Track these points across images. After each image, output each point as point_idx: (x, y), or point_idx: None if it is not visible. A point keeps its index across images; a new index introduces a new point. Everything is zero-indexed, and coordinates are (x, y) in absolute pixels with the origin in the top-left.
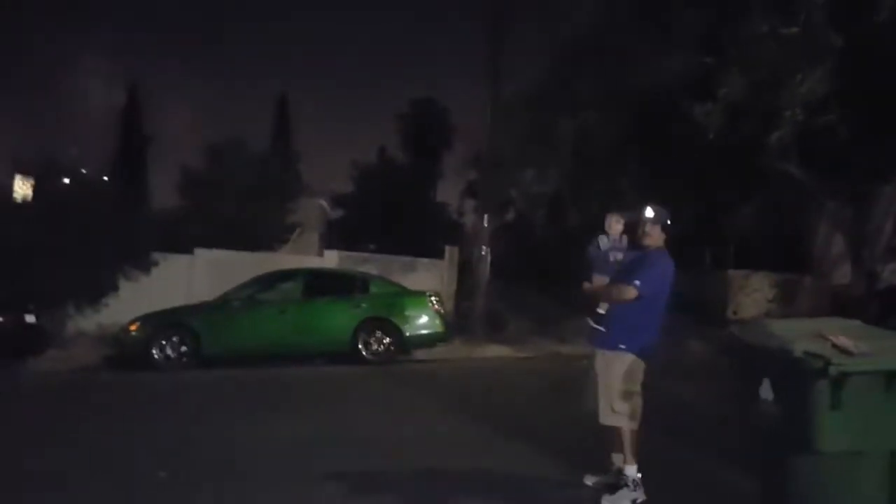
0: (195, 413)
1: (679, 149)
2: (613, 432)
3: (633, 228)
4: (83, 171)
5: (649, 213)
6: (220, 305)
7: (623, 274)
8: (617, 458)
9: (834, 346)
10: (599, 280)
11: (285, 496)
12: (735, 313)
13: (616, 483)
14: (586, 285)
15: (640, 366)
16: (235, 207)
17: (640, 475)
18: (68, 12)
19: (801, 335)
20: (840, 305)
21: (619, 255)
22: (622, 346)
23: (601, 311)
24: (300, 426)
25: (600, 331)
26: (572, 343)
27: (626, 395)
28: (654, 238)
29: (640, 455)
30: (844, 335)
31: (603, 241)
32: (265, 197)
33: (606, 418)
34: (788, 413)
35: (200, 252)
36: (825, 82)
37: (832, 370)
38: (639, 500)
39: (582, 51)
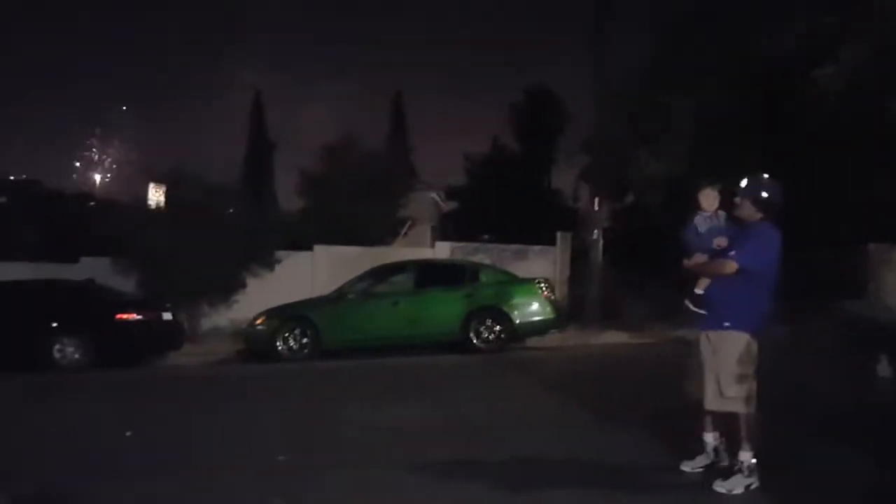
0: (314, 402)
1: (803, 118)
2: (708, 414)
3: (730, 201)
4: (210, 177)
5: (742, 184)
6: (337, 299)
7: (726, 250)
8: (709, 438)
9: None
10: (700, 259)
11: (382, 480)
12: (878, 290)
13: (712, 464)
14: (686, 262)
15: (752, 346)
16: (350, 205)
17: (755, 461)
18: (200, 25)
19: None
20: None
21: (723, 240)
22: (727, 325)
23: (699, 290)
24: (408, 414)
25: (700, 313)
26: (693, 327)
27: (740, 379)
28: (747, 211)
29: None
30: None
31: (700, 223)
32: (378, 193)
33: (714, 403)
34: None
35: (319, 249)
36: None
37: None
38: (753, 486)
39: (696, 21)
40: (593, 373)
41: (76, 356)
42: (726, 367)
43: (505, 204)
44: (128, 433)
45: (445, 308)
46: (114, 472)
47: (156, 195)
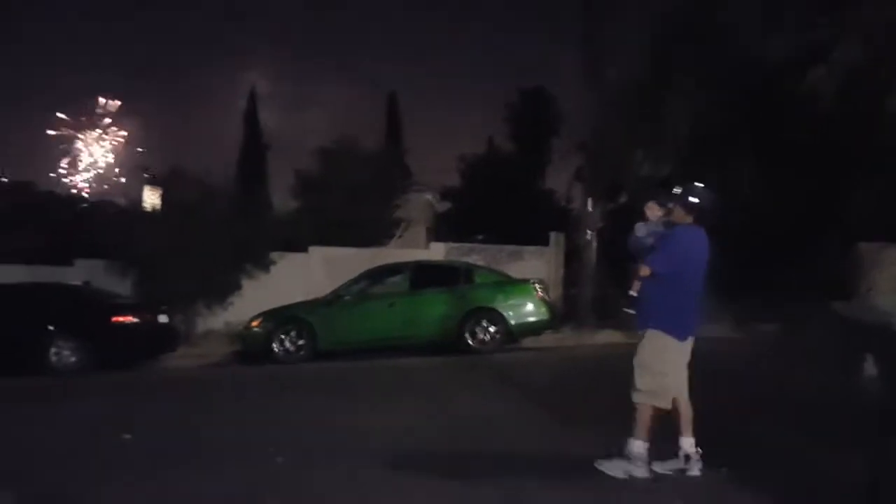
0: (311, 403)
1: (795, 120)
2: (679, 417)
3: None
4: (207, 179)
5: (675, 190)
6: (333, 300)
7: (649, 252)
8: (685, 442)
9: None
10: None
11: (380, 481)
12: (869, 291)
13: (685, 468)
14: (633, 267)
15: (671, 345)
16: (346, 206)
17: (644, 451)
18: (196, 25)
19: None
20: None
21: (651, 238)
22: (650, 325)
23: (632, 293)
24: (402, 415)
25: (632, 314)
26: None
27: (651, 374)
28: (678, 216)
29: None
30: None
31: (639, 229)
32: (373, 194)
33: (632, 395)
34: (893, 390)
35: (315, 250)
36: None
37: None
38: (636, 474)
39: (688, 23)
40: (587, 373)
41: (72, 359)
42: (638, 360)
43: (499, 205)
44: (126, 436)
45: (441, 309)
46: (114, 474)
47: (151, 197)
